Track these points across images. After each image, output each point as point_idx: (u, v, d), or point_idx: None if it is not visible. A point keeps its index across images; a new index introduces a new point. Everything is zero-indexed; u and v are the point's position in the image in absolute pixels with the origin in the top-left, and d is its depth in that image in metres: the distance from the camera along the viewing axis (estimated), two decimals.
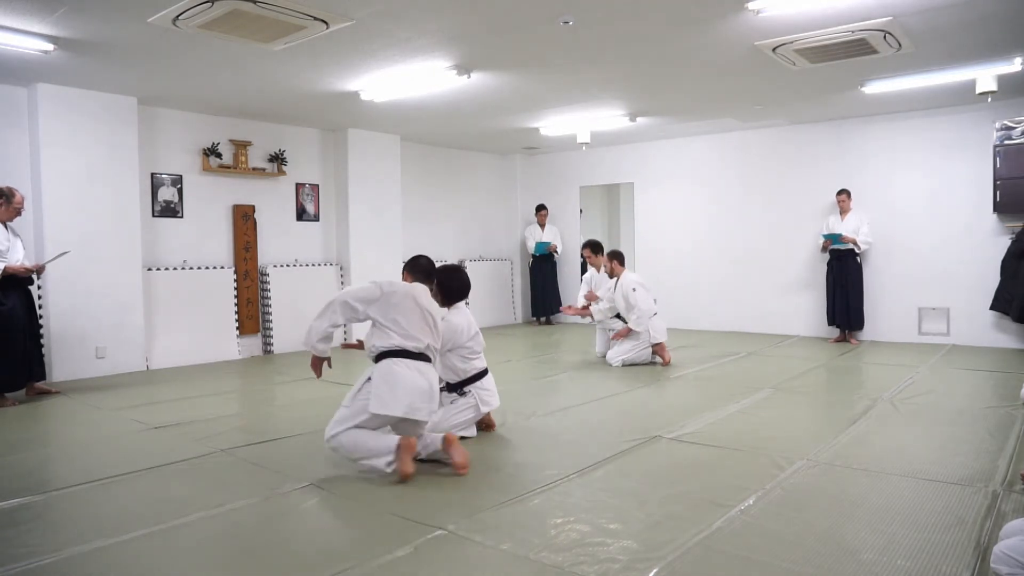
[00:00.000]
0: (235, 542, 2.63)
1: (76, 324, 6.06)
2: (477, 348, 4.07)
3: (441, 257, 9.62)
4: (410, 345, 3.37)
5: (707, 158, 9.01)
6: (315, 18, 4.30)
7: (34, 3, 4.03)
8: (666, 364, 6.39)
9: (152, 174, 6.81)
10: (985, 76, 5.78)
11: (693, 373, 5.98)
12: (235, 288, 7.33)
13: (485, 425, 4.13)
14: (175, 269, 6.91)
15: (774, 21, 4.54)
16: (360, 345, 3.64)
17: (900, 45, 4.98)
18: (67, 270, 5.89)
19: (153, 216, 6.81)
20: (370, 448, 3.27)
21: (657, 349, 6.44)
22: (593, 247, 6.94)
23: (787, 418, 4.42)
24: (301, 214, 8.05)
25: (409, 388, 3.30)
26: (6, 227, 5.10)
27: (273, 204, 7.77)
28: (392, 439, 3.27)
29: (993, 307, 6.88)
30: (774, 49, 5.07)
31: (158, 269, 6.78)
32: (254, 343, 7.54)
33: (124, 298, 6.36)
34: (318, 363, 3.52)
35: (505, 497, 3.00)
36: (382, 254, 8.52)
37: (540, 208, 10.13)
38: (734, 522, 2.69)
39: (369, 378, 3.37)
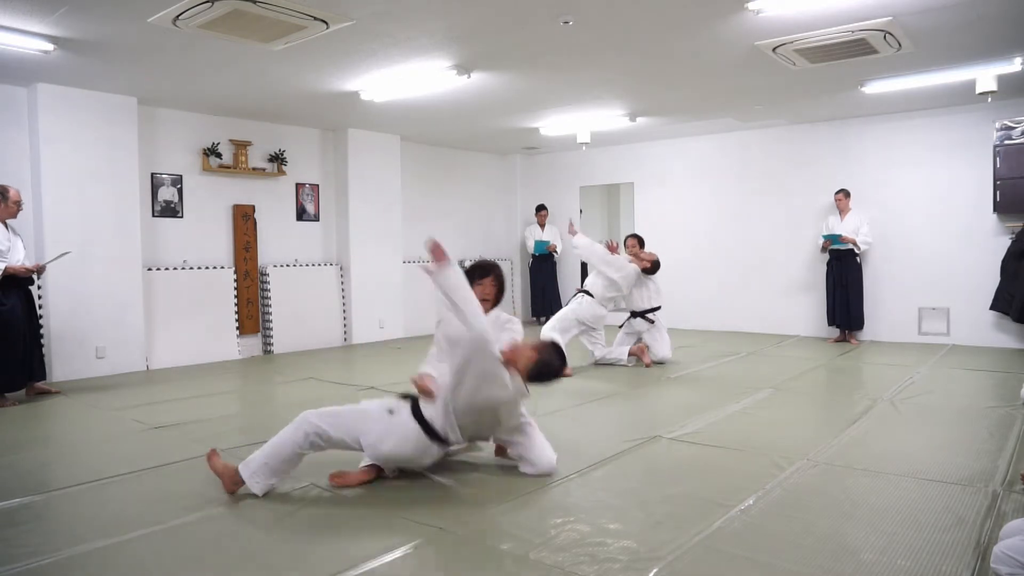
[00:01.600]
0: (235, 542, 2.63)
1: (76, 324, 6.06)
2: None
3: None
4: None
5: (707, 158, 9.01)
6: (315, 18, 4.30)
7: (34, 3, 4.03)
8: (648, 365, 6.30)
9: (152, 174, 6.81)
10: (985, 76, 5.78)
11: (693, 373, 5.98)
12: (235, 288, 7.33)
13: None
14: (175, 269, 6.92)
15: (774, 21, 4.54)
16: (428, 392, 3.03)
17: (900, 45, 4.98)
18: (67, 270, 5.88)
19: (153, 216, 6.81)
20: None
21: (636, 350, 6.38)
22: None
23: (787, 418, 4.42)
24: (301, 214, 8.05)
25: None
26: (6, 227, 5.10)
27: (273, 204, 7.77)
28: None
29: (993, 307, 6.88)
30: (774, 49, 5.07)
31: (158, 269, 6.78)
32: (254, 343, 7.54)
33: (124, 298, 6.36)
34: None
35: (505, 497, 2.99)
36: (382, 254, 8.53)
37: (540, 208, 10.14)
38: (734, 522, 2.69)
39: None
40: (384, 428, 2.96)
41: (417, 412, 2.98)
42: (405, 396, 3.06)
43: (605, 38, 4.89)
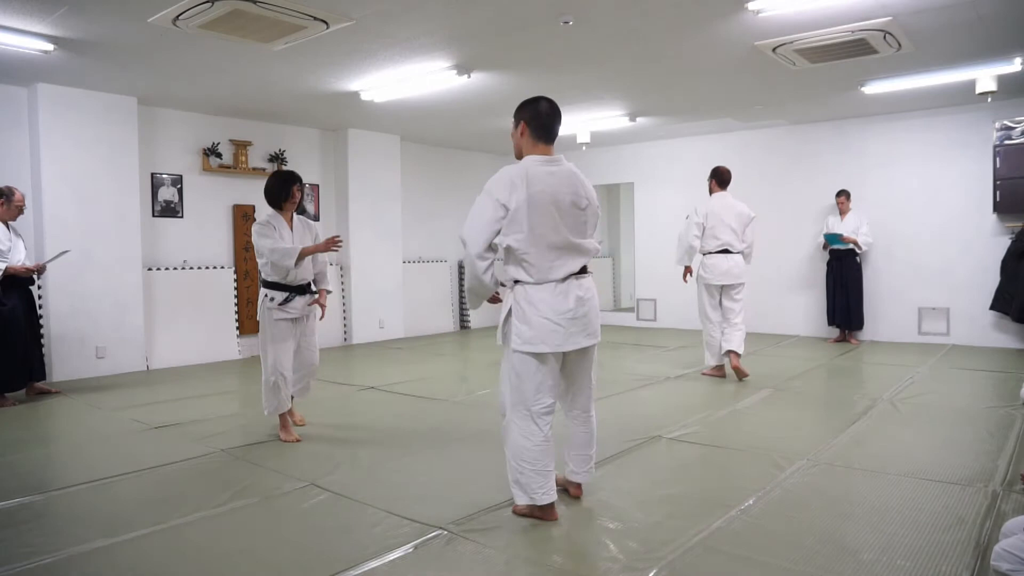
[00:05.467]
0: (235, 542, 2.63)
1: (76, 324, 6.06)
2: None
3: (441, 257, 9.63)
4: None
5: (707, 158, 8.99)
6: (315, 18, 4.30)
7: (34, 3, 4.03)
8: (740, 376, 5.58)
9: (152, 174, 6.81)
10: (985, 76, 5.78)
11: (693, 373, 5.98)
12: (235, 288, 7.33)
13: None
14: (175, 269, 6.91)
15: (774, 21, 4.54)
16: None
17: (900, 45, 4.98)
18: (67, 270, 5.89)
19: (153, 216, 6.81)
20: None
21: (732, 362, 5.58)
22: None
23: (787, 418, 4.41)
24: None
25: None
26: (8, 227, 5.11)
27: None
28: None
29: (993, 307, 6.88)
30: (774, 49, 5.08)
31: (158, 269, 6.78)
32: (254, 343, 7.53)
33: (124, 298, 6.36)
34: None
35: (505, 497, 2.99)
36: (382, 254, 8.53)
37: None
38: (734, 522, 2.69)
39: None
40: None
41: None
42: None
43: (605, 38, 4.89)
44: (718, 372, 5.78)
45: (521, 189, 2.63)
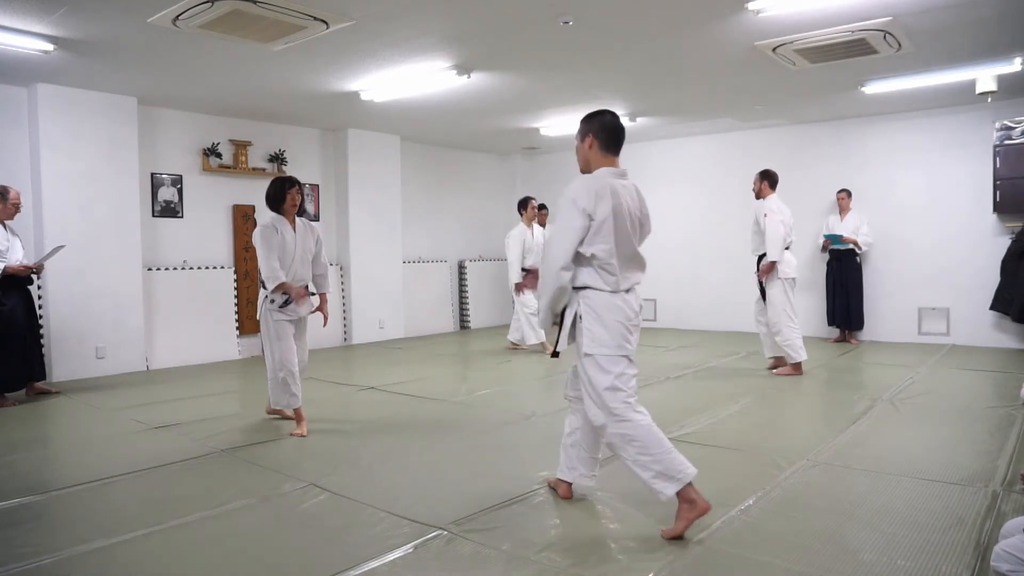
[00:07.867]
0: (235, 542, 2.63)
1: (76, 324, 6.06)
2: None
3: (441, 257, 9.63)
4: None
5: (707, 158, 9.01)
6: (315, 18, 4.31)
7: (34, 3, 4.04)
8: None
9: (152, 174, 6.81)
10: (985, 76, 5.79)
11: (693, 373, 5.98)
12: (235, 288, 7.33)
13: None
14: (175, 269, 6.91)
15: (774, 21, 4.54)
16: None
17: (900, 45, 4.98)
18: (67, 270, 5.89)
19: (153, 216, 6.81)
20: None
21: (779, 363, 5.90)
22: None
23: (787, 418, 4.41)
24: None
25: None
26: (5, 227, 5.10)
27: None
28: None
29: (993, 307, 6.88)
30: (774, 49, 5.08)
31: (158, 269, 6.78)
32: (254, 343, 7.52)
33: (124, 298, 6.36)
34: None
35: (505, 497, 2.99)
36: (382, 254, 8.53)
37: (541, 208, 10.11)
38: (734, 522, 2.69)
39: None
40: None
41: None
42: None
43: (605, 38, 4.89)
44: (798, 370, 5.79)
45: (606, 201, 2.68)
